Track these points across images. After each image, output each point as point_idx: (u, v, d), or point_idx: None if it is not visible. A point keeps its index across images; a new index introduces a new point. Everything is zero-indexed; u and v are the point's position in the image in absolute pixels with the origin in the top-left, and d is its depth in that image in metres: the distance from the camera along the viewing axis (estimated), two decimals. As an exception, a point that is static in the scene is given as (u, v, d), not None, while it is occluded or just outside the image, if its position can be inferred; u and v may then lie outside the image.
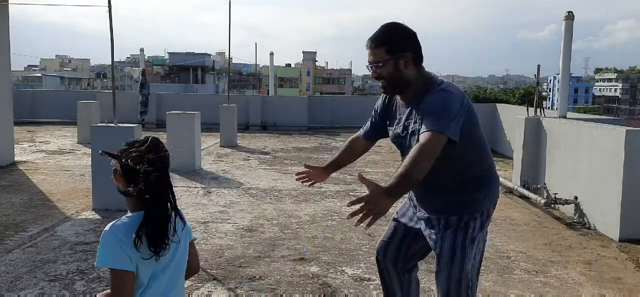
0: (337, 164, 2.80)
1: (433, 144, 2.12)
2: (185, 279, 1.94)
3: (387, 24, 2.35)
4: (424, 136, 2.13)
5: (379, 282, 2.86)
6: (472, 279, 2.38)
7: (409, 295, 2.72)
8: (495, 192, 2.48)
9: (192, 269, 1.96)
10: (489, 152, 2.47)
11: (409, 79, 2.31)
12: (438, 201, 2.43)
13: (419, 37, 2.36)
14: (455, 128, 2.18)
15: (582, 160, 5.92)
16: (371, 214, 1.96)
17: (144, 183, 1.70)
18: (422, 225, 2.51)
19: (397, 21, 2.37)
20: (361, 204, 1.96)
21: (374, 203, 1.96)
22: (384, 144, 13.12)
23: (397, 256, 2.65)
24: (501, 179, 7.79)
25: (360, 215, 1.96)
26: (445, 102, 2.21)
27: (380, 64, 2.30)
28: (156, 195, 1.73)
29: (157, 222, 1.72)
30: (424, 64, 2.39)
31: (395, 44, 2.28)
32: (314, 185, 2.46)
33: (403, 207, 2.72)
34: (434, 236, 2.43)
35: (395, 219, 2.73)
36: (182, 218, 1.90)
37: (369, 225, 1.98)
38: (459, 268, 2.34)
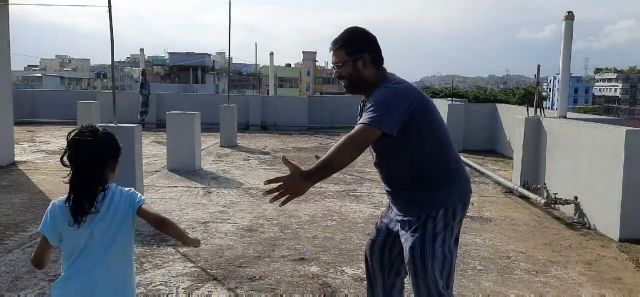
0: None
1: (361, 135, 2.21)
2: (163, 232, 2.18)
3: (349, 28, 2.52)
4: (355, 127, 2.24)
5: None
6: (437, 279, 2.34)
7: None
8: (461, 192, 2.46)
9: (156, 225, 2.13)
10: (449, 151, 2.46)
11: (366, 78, 2.44)
12: (400, 200, 2.50)
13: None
14: (392, 122, 2.23)
15: (582, 160, 5.92)
16: (287, 194, 2.13)
17: (67, 160, 2.04)
18: (398, 226, 2.55)
19: (359, 26, 2.55)
20: (279, 183, 2.11)
21: (290, 184, 2.12)
22: (384, 144, 13.13)
23: (382, 257, 2.68)
24: (501, 179, 7.79)
25: (276, 193, 2.12)
26: (386, 96, 2.29)
27: (340, 64, 2.46)
28: (74, 170, 2.04)
29: (73, 193, 2.03)
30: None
31: (354, 46, 2.43)
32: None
33: (386, 208, 2.75)
34: (402, 237, 2.48)
35: (380, 220, 2.77)
36: (123, 194, 2.11)
37: (283, 203, 2.15)
38: (422, 268, 2.34)
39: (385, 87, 2.35)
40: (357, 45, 2.44)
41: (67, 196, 2.06)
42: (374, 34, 2.51)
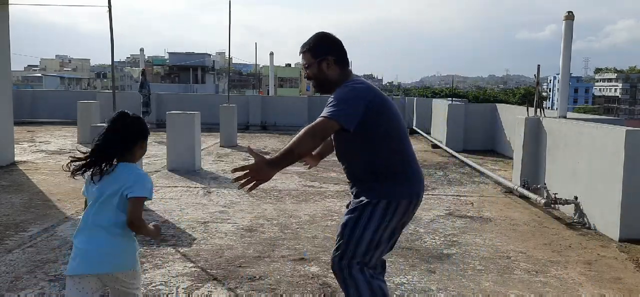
0: (320, 155, 3.09)
1: (320, 127, 2.43)
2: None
3: (316, 33, 2.75)
4: (316, 120, 2.46)
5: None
6: (354, 242, 2.56)
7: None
8: (410, 192, 2.63)
9: (128, 223, 2.40)
10: (403, 150, 2.65)
11: (331, 79, 2.69)
12: (356, 191, 2.72)
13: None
14: (349, 118, 2.45)
15: (582, 160, 5.92)
16: (253, 181, 2.33)
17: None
18: None
19: (325, 31, 2.76)
20: (245, 171, 2.31)
21: (256, 172, 2.32)
22: (384, 144, 13.13)
23: None
24: (501, 179, 7.80)
25: (244, 180, 2.32)
26: (345, 94, 2.52)
27: (307, 66, 2.71)
28: (102, 137, 2.53)
29: (93, 154, 2.49)
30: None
31: (319, 49, 2.68)
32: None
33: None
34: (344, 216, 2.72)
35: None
36: (130, 176, 2.43)
37: (250, 190, 2.35)
38: (346, 242, 2.57)
39: (345, 86, 2.58)
40: (322, 49, 2.68)
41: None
42: (339, 38, 2.74)
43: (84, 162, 2.46)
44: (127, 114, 2.56)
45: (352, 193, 2.77)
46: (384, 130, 2.59)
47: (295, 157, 2.40)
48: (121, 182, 2.39)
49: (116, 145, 2.46)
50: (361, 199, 2.62)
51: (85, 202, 2.51)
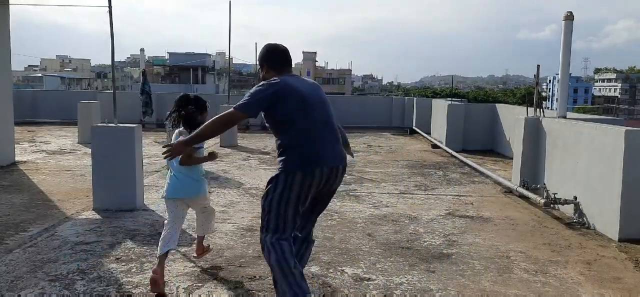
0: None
1: (227, 116, 3.23)
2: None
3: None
4: (228, 110, 3.27)
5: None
6: (266, 210, 3.19)
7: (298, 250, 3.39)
8: (302, 162, 3.16)
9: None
10: (300, 131, 3.20)
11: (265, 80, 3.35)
12: None
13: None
14: (250, 108, 3.18)
15: (581, 160, 5.93)
16: (171, 153, 3.40)
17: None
18: None
19: (269, 42, 3.54)
20: (169, 148, 3.40)
21: (175, 148, 3.42)
22: (384, 145, 13.12)
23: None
24: (501, 179, 7.80)
25: (167, 154, 3.38)
26: (255, 89, 3.24)
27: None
28: (183, 111, 4.20)
29: (185, 118, 4.17)
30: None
31: (259, 58, 3.52)
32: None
33: None
34: None
35: None
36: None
37: (169, 158, 3.52)
38: (263, 199, 3.23)
39: (259, 84, 3.28)
40: (260, 58, 3.50)
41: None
42: (273, 47, 3.50)
43: (175, 120, 4.13)
44: (191, 97, 4.26)
45: None
46: (287, 116, 3.19)
47: (205, 138, 3.47)
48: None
49: (196, 117, 4.03)
50: (275, 173, 3.23)
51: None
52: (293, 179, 3.13)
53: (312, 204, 3.37)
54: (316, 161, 3.19)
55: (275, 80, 3.25)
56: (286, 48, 3.60)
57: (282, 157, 3.20)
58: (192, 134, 3.36)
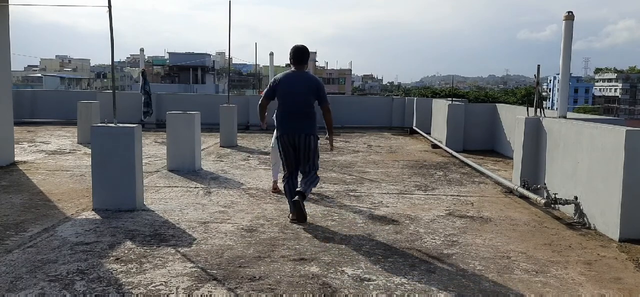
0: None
1: (261, 101, 5.73)
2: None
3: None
4: None
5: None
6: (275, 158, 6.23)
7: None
8: (281, 130, 5.62)
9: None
10: (282, 108, 5.60)
11: None
12: None
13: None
14: (266, 94, 5.67)
15: (582, 160, 5.92)
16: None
17: None
18: None
19: (295, 44, 5.70)
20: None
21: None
22: (384, 145, 13.11)
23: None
24: (501, 179, 7.80)
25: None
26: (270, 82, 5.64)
27: None
28: None
29: None
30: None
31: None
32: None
33: None
34: None
35: None
36: None
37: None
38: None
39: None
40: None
41: None
42: (292, 48, 5.64)
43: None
44: None
45: None
46: (279, 98, 5.58)
47: (259, 115, 5.86)
48: None
49: None
50: None
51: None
52: (280, 137, 5.64)
53: (296, 155, 5.63)
54: (288, 129, 5.56)
55: (277, 78, 5.64)
56: (300, 48, 5.65)
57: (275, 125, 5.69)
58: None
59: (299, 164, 5.64)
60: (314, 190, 6.98)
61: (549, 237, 5.27)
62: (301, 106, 5.47)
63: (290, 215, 5.58)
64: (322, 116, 5.69)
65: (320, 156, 6.11)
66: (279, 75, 5.57)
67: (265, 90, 5.62)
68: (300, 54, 5.57)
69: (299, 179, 5.67)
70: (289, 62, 5.65)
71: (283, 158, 5.62)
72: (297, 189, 5.47)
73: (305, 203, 5.71)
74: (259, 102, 5.70)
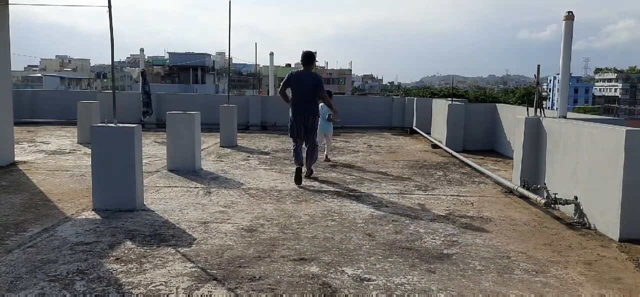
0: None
1: (280, 90, 8.03)
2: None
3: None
4: None
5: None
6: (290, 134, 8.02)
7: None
8: (292, 112, 7.78)
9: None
10: (294, 98, 7.77)
11: None
12: None
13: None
14: (283, 85, 7.88)
15: (582, 160, 5.92)
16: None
17: None
18: None
19: (304, 49, 7.88)
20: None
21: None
22: (384, 145, 13.11)
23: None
24: (501, 179, 7.80)
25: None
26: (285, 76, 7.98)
27: None
28: None
29: None
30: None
31: None
32: None
33: None
34: None
35: None
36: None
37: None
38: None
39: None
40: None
41: None
42: (302, 53, 7.81)
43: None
44: None
45: None
46: (292, 89, 7.70)
47: (283, 98, 8.02)
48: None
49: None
50: None
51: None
52: (292, 115, 7.72)
53: (304, 131, 7.77)
54: (297, 111, 7.70)
55: (292, 73, 7.83)
56: (307, 54, 7.81)
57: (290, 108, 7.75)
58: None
59: (305, 136, 7.85)
60: (314, 189, 6.98)
61: (549, 237, 5.27)
62: (308, 96, 7.70)
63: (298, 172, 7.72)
64: (321, 105, 8.57)
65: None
66: (293, 72, 7.89)
67: (283, 80, 7.86)
68: (308, 58, 7.80)
69: (304, 154, 8.00)
70: (299, 62, 8.02)
71: (295, 132, 7.75)
72: (304, 167, 7.88)
73: (306, 204, 5.70)
74: (279, 90, 8.22)
